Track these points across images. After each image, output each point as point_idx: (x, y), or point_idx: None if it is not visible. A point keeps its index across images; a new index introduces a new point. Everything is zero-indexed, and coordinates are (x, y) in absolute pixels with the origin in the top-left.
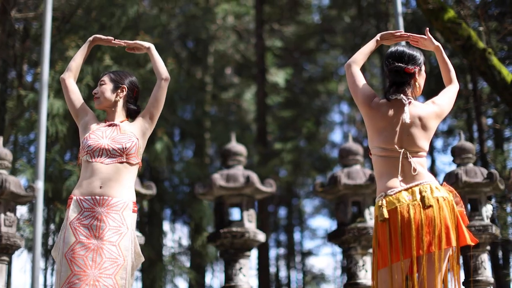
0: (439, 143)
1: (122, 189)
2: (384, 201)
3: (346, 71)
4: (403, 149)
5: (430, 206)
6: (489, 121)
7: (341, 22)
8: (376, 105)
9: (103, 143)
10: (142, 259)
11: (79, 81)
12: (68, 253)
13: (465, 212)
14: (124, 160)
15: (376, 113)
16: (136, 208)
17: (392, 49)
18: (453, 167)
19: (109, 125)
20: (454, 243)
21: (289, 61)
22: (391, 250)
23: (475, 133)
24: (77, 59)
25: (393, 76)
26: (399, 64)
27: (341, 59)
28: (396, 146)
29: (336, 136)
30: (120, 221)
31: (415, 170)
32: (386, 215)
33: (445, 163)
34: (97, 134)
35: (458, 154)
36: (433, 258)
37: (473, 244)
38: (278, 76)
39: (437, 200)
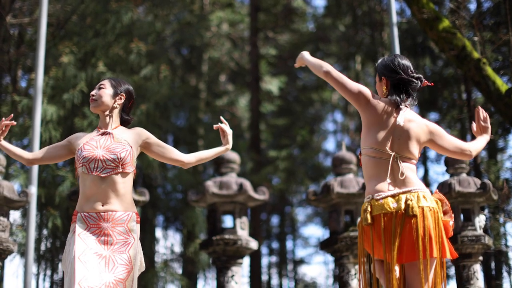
0: (432, 153)
1: (123, 202)
2: (369, 206)
3: (329, 75)
4: (394, 153)
5: (414, 215)
6: None
7: (336, 30)
8: (376, 99)
9: (97, 154)
10: (143, 268)
11: (72, 87)
12: (82, 256)
13: (451, 223)
14: (120, 170)
15: (376, 106)
16: (138, 219)
17: (403, 59)
18: (447, 177)
19: (102, 134)
20: (435, 254)
21: (283, 69)
22: (374, 251)
23: None
24: (13, 156)
25: (407, 84)
26: (421, 76)
27: (336, 68)
28: (387, 148)
29: (330, 144)
30: (126, 233)
31: (402, 174)
32: (369, 220)
33: (439, 173)
34: (91, 145)
35: (451, 164)
36: (417, 267)
37: (452, 258)
38: (272, 84)
39: (422, 209)
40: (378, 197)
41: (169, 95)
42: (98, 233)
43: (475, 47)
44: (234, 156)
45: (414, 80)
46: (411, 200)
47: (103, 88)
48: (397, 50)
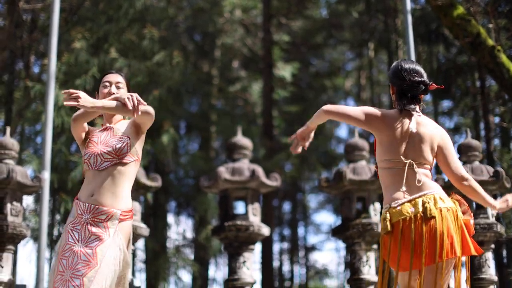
0: None
1: (114, 196)
2: (388, 215)
3: (330, 112)
4: (409, 160)
5: (433, 217)
6: (496, 119)
7: (349, 17)
8: (386, 115)
9: (96, 150)
10: (125, 267)
11: (84, 73)
12: (60, 253)
13: (472, 221)
14: (117, 161)
15: (385, 120)
16: (126, 217)
17: (408, 63)
18: None
19: (104, 129)
20: (458, 253)
21: (296, 56)
22: (398, 259)
23: (482, 131)
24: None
25: (413, 89)
26: (425, 79)
27: (348, 55)
28: (401, 157)
29: (342, 131)
30: (103, 229)
31: (419, 181)
32: (389, 228)
33: None
34: (93, 141)
35: (464, 152)
36: (436, 268)
37: (477, 254)
38: (285, 71)
39: (440, 210)
40: (396, 205)
41: (182, 81)
42: (80, 223)
43: (490, 34)
44: (247, 142)
45: (416, 85)
46: (428, 203)
47: (121, 88)
48: (411, 37)
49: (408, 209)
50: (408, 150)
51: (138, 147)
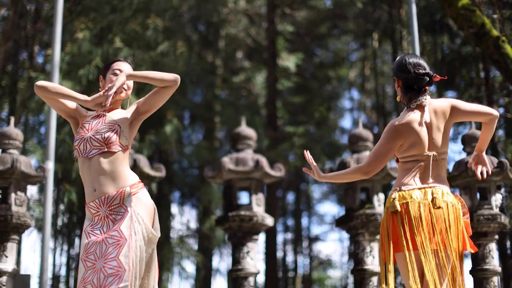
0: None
1: (115, 180)
2: (397, 194)
3: (370, 168)
4: (433, 153)
5: (440, 207)
6: (501, 110)
7: (353, 7)
8: (405, 127)
9: (86, 136)
10: (157, 234)
11: (87, 63)
12: (82, 255)
13: (469, 223)
14: (106, 149)
15: (408, 129)
16: (137, 188)
17: (411, 57)
18: (463, 155)
19: (96, 116)
20: (454, 245)
21: (300, 46)
22: (405, 239)
23: None
24: (62, 93)
25: (418, 81)
26: (429, 71)
27: (353, 45)
28: (426, 151)
29: (346, 122)
30: (122, 211)
31: (438, 175)
32: (398, 207)
33: (455, 151)
34: (84, 127)
35: (468, 143)
36: (444, 253)
37: (473, 251)
38: (289, 61)
39: (447, 204)
40: (405, 189)
41: (186, 71)
42: (100, 219)
43: (494, 25)
44: (251, 133)
45: (421, 77)
46: (437, 194)
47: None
48: (415, 28)
49: (418, 195)
50: (430, 141)
51: (129, 135)
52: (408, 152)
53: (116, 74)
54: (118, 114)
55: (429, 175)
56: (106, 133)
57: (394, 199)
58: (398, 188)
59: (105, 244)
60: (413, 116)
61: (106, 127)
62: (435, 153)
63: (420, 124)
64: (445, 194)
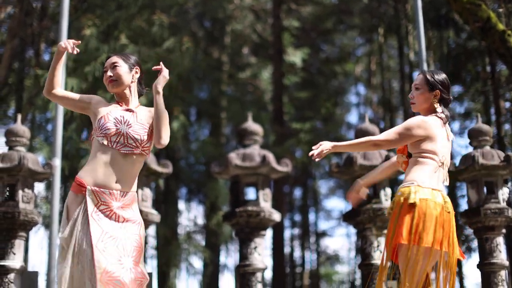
0: (456, 126)
1: (133, 182)
2: (417, 188)
3: (378, 144)
4: (446, 160)
5: (449, 212)
6: (507, 104)
7: (359, 2)
8: (434, 121)
9: (122, 130)
10: None
11: (94, 60)
12: (99, 243)
13: None
14: (139, 151)
15: (427, 128)
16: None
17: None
18: (470, 149)
19: (126, 110)
20: (457, 251)
21: (306, 42)
22: (415, 232)
23: (492, 116)
24: (50, 75)
25: (449, 104)
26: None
27: (358, 40)
28: (441, 155)
29: (353, 117)
30: (133, 214)
31: (443, 181)
32: (417, 201)
33: (462, 145)
34: (116, 118)
35: (475, 137)
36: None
37: (462, 259)
38: (295, 56)
39: (451, 211)
40: (423, 185)
41: (192, 67)
42: (108, 211)
43: (500, 19)
44: (257, 128)
45: (450, 103)
46: (447, 199)
47: (117, 66)
48: (421, 22)
49: (435, 195)
50: (446, 153)
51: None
52: (426, 146)
53: (105, 72)
54: (144, 113)
55: (441, 179)
56: (144, 136)
57: (415, 192)
58: (416, 183)
59: (129, 244)
60: (440, 122)
61: (141, 127)
62: (448, 159)
63: (445, 135)
64: (448, 201)
